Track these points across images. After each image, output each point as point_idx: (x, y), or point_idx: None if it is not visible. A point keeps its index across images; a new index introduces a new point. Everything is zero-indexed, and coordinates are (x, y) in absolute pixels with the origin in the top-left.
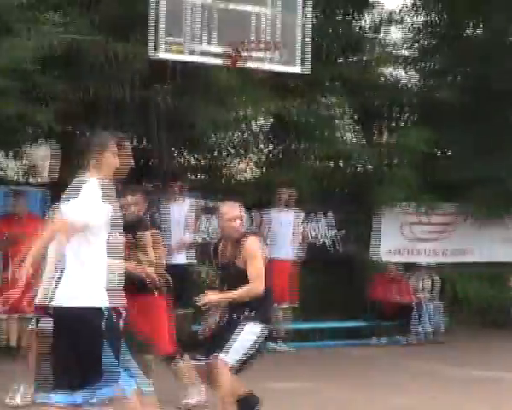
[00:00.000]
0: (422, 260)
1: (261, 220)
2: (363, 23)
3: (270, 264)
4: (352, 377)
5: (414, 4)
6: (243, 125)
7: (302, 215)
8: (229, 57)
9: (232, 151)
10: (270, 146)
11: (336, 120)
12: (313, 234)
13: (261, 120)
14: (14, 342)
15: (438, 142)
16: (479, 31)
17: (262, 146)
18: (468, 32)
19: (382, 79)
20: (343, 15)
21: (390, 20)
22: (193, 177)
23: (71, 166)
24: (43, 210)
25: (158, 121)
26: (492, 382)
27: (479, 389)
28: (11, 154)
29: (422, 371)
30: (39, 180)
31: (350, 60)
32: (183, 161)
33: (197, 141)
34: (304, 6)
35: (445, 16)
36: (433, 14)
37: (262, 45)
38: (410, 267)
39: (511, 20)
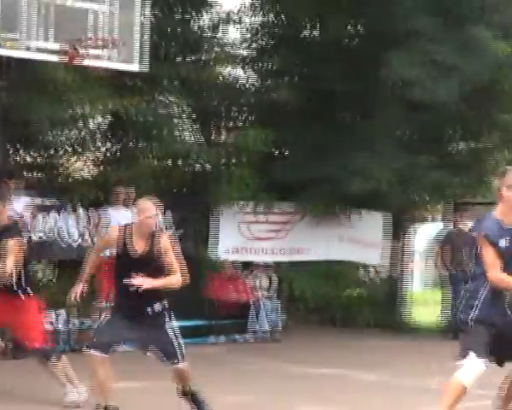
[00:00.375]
0: (260, 258)
1: (99, 219)
2: (201, 23)
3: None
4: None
5: (252, 4)
6: (80, 123)
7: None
8: (66, 54)
9: (69, 149)
10: (108, 144)
11: (175, 120)
12: None
13: (99, 118)
14: None
15: (275, 142)
16: (315, 32)
17: (100, 144)
18: (306, 33)
19: (221, 79)
20: (182, 14)
21: (228, 19)
22: (29, 175)
23: None
24: None
25: None
26: (328, 378)
27: (313, 386)
28: None
29: (258, 368)
30: None
31: (188, 59)
32: (18, 158)
33: (33, 138)
34: (142, 5)
35: (283, 17)
36: (271, 15)
37: (99, 42)
38: (247, 266)
39: (346, 22)
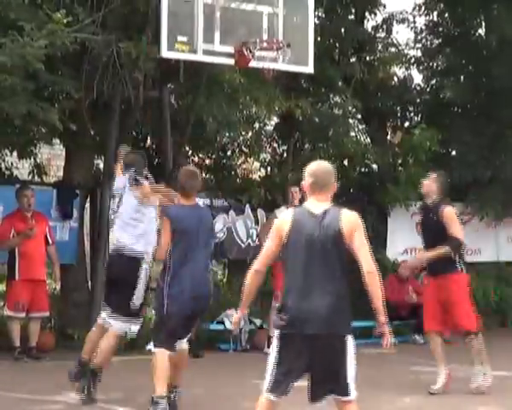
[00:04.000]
0: None
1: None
2: (369, 23)
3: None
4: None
5: (417, 4)
6: (252, 125)
7: None
8: (238, 57)
9: (242, 150)
10: (279, 145)
11: (346, 120)
12: None
13: (271, 120)
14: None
15: (443, 141)
16: (480, 30)
17: (271, 145)
18: (471, 31)
19: (394, 79)
20: (354, 15)
21: (396, 20)
22: (206, 176)
23: (78, 165)
24: (50, 208)
25: (167, 121)
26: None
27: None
28: (20, 153)
29: (431, 370)
30: (48, 179)
31: (358, 59)
32: (191, 160)
33: (206, 140)
34: (315, 6)
35: (447, 16)
36: (435, 14)
37: (271, 45)
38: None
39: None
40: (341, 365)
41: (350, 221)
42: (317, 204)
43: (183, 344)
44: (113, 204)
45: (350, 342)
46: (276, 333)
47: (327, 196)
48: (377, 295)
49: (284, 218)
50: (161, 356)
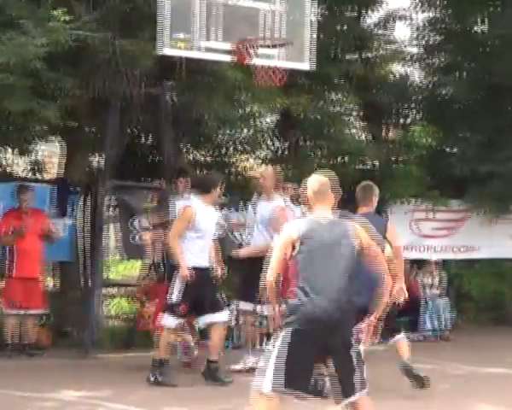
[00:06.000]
0: (429, 256)
1: None
2: (369, 20)
3: None
4: None
5: (419, 0)
6: (251, 122)
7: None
8: (237, 54)
9: (239, 148)
10: (277, 143)
11: (344, 117)
12: None
13: (269, 117)
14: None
15: (444, 138)
16: (483, 26)
17: (269, 143)
18: (473, 27)
19: (390, 77)
20: (351, 12)
21: (397, 17)
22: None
23: (78, 162)
24: (49, 205)
25: (166, 118)
26: (498, 378)
27: (486, 386)
28: (19, 150)
29: (428, 368)
30: (47, 176)
31: (357, 57)
32: (190, 157)
33: (205, 137)
34: (312, 3)
35: (449, 12)
36: (437, 10)
37: (269, 42)
38: (419, 264)
39: None
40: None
41: (356, 229)
42: (322, 213)
43: None
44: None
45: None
46: (285, 331)
47: (329, 205)
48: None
49: (292, 229)
50: None
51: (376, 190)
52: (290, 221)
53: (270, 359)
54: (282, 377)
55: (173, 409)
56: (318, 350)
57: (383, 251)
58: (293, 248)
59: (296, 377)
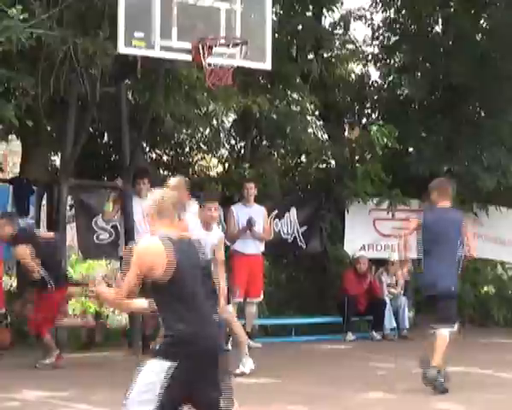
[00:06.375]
0: (389, 255)
1: (228, 215)
2: (327, 20)
3: (238, 259)
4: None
5: (374, 1)
6: (212, 121)
7: (265, 211)
8: (196, 53)
9: (200, 147)
10: (237, 142)
11: (303, 117)
12: (280, 230)
13: (229, 117)
14: None
15: (401, 138)
16: (438, 27)
17: (228, 142)
18: (428, 28)
19: (350, 76)
20: (312, 11)
21: (356, 17)
22: (164, 173)
23: (35, 161)
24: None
25: (125, 117)
26: (457, 376)
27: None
28: None
29: (388, 366)
30: (3, 176)
31: (315, 56)
32: (150, 156)
33: (164, 137)
34: (272, 2)
35: (404, 12)
36: (392, 11)
37: (228, 41)
38: (379, 263)
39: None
40: None
41: None
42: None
43: None
44: None
45: None
46: None
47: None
48: None
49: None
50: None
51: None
52: None
53: None
54: None
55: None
56: None
57: None
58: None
59: None
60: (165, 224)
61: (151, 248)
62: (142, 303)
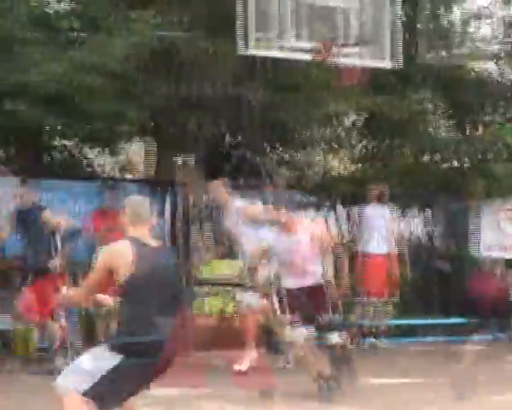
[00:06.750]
0: None
1: (357, 216)
2: (452, 18)
3: (367, 258)
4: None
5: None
6: (335, 121)
7: (394, 211)
8: (319, 53)
9: (325, 147)
10: (364, 141)
11: (429, 116)
12: (408, 230)
13: (353, 116)
14: None
15: None
16: None
17: (355, 142)
18: None
19: (473, 74)
20: (432, 10)
21: (479, 15)
22: (286, 173)
23: (165, 161)
24: None
25: (250, 117)
26: None
27: None
28: (107, 150)
29: None
30: (135, 176)
31: (441, 55)
32: (275, 157)
33: (289, 137)
34: (392, 1)
35: None
36: None
37: (351, 40)
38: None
39: None
40: None
41: None
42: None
43: None
44: None
45: None
46: None
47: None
48: None
49: None
50: None
51: None
52: None
53: None
54: None
55: None
56: None
57: None
58: None
59: None
60: (136, 229)
61: (118, 248)
62: (106, 299)
